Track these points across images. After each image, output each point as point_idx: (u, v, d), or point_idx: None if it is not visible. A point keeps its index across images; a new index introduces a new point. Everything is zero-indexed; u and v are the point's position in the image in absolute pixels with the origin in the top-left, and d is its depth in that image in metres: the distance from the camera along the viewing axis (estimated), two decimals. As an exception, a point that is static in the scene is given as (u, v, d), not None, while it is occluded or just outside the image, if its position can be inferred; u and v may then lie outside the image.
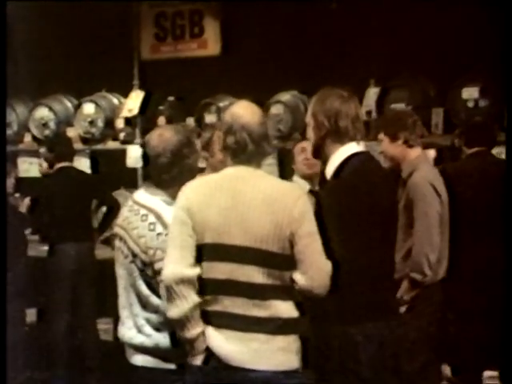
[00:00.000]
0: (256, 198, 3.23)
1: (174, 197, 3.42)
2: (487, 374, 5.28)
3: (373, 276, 3.49)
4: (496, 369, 5.13)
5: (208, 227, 3.24)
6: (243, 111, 3.35)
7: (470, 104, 6.11)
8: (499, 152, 5.45)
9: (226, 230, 3.23)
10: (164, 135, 3.55)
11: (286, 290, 3.25)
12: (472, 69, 6.19)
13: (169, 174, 3.52)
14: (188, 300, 3.21)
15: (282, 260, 3.23)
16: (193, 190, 3.33)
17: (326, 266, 3.28)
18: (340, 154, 3.58)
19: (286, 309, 3.25)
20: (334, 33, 6.80)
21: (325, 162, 3.67)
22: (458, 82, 6.24)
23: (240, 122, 3.30)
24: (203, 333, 3.25)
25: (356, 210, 3.48)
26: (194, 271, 3.22)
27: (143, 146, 3.69)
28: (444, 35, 6.41)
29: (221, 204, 3.24)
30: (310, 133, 3.69)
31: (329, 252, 3.30)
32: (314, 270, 3.24)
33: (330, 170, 3.61)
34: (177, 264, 3.23)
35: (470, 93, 6.13)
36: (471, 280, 5.10)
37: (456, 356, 5.32)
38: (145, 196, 3.57)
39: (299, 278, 3.21)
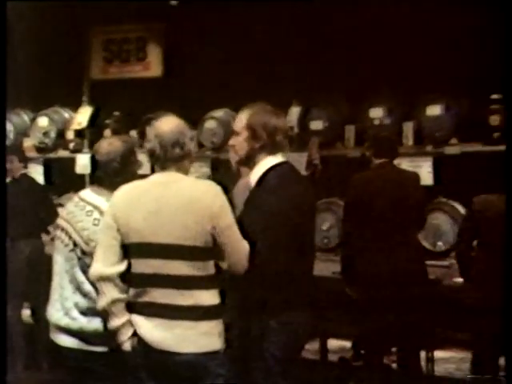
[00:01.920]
0: (178, 200, 3.46)
1: None
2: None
3: (292, 273, 3.69)
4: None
5: (133, 229, 3.47)
6: (160, 123, 3.59)
7: (376, 122, 6.87)
8: (399, 163, 6.14)
9: (151, 231, 3.44)
10: (114, 144, 3.88)
11: (210, 280, 3.49)
12: (378, 92, 7.02)
13: (119, 177, 3.79)
14: (107, 296, 3.49)
15: (205, 252, 3.46)
16: (119, 196, 3.60)
17: (245, 249, 3.54)
18: (265, 163, 3.82)
19: (208, 297, 3.48)
20: (260, 57, 7.55)
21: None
22: (366, 103, 7.02)
23: (154, 131, 3.56)
24: (129, 322, 3.48)
25: (278, 214, 3.69)
26: (113, 269, 3.49)
27: (94, 153, 3.97)
28: (355, 62, 7.27)
29: (146, 208, 3.47)
30: (242, 143, 3.85)
31: (254, 253, 3.57)
32: (236, 256, 3.52)
33: (254, 178, 3.84)
34: (99, 263, 3.52)
35: (376, 112, 6.88)
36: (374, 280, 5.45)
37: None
38: (91, 195, 3.88)
39: (223, 264, 3.52)
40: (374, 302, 5.37)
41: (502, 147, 5.94)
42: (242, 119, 3.88)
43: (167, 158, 3.53)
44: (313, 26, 7.52)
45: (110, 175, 3.85)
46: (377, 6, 7.12)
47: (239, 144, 3.87)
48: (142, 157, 3.92)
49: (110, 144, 3.90)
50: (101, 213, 3.74)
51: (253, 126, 3.82)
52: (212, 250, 3.48)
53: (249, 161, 3.87)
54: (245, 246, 3.55)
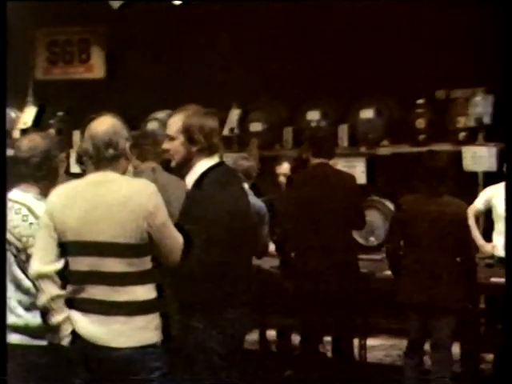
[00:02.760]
0: (113, 199, 3.49)
1: (44, 192, 3.79)
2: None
3: (230, 270, 3.70)
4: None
5: (69, 227, 3.50)
6: (94, 123, 3.58)
7: (313, 124, 7.30)
8: (334, 163, 6.47)
9: (87, 229, 3.48)
10: (34, 140, 3.89)
11: (146, 275, 3.51)
12: (315, 96, 7.43)
13: (40, 171, 3.84)
14: (46, 293, 3.52)
15: (140, 248, 3.49)
16: (56, 196, 3.61)
17: (179, 244, 3.59)
18: (201, 165, 3.78)
19: (144, 292, 3.49)
20: (201, 61, 7.86)
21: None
22: (303, 106, 7.46)
23: (88, 132, 3.56)
24: (69, 318, 3.51)
25: (215, 215, 3.69)
26: (51, 267, 3.51)
27: (15, 151, 3.89)
28: (293, 67, 7.64)
29: (82, 207, 3.50)
30: (179, 147, 3.78)
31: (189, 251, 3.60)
32: (169, 250, 3.57)
33: (191, 180, 3.80)
34: (37, 262, 3.55)
35: (312, 115, 7.33)
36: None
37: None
38: (18, 193, 3.89)
39: (159, 259, 3.57)
40: (309, 295, 5.57)
41: (427, 148, 6.50)
42: (176, 123, 3.79)
43: (100, 158, 3.54)
44: (250, 32, 7.88)
45: (32, 170, 3.87)
46: (311, 13, 7.51)
47: (175, 148, 3.80)
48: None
49: (30, 140, 3.92)
50: (29, 209, 3.80)
51: (189, 129, 3.74)
52: (148, 245, 3.50)
53: (186, 164, 3.81)
54: (179, 240, 3.59)
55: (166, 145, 3.84)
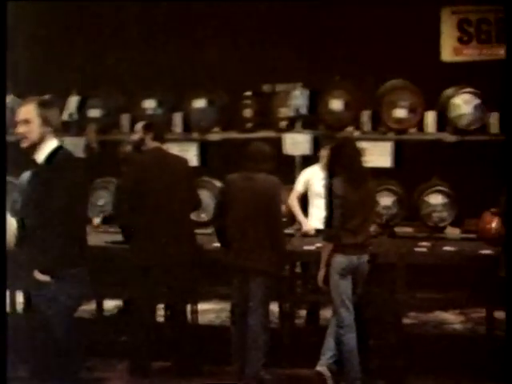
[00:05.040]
0: None
1: None
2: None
3: (67, 238, 4.53)
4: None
5: None
6: None
7: (149, 112, 7.77)
8: (168, 147, 7.00)
9: None
10: None
11: None
12: (151, 86, 7.99)
13: None
14: None
15: None
16: None
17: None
18: (50, 145, 4.63)
19: None
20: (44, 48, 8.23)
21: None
22: (140, 95, 7.92)
23: None
24: None
25: (61, 188, 4.51)
26: None
27: None
28: (131, 59, 8.21)
29: None
30: (35, 129, 4.57)
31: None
32: None
33: (41, 157, 4.61)
34: None
35: (148, 103, 7.81)
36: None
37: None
38: None
39: None
40: (148, 266, 6.09)
41: (255, 135, 7.29)
42: (31, 108, 4.61)
43: None
44: (95, 24, 8.32)
45: None
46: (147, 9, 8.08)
47: (31, 130, 4.59)
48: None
49: None
50: None
51: (43, 113, 4.59)
52: None
53: (39, 144, 4.59)
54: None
55: (22, 128, 4.58)
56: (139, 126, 6.66)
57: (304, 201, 7.22)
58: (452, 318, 7.87)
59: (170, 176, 6.20)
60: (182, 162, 6.42)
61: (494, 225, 5.57)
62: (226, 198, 6.06)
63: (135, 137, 6.66)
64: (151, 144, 6.41)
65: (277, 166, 6.07)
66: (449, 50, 8.15)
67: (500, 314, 6.13)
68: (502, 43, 7.82)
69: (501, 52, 7.89)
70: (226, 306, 6.57)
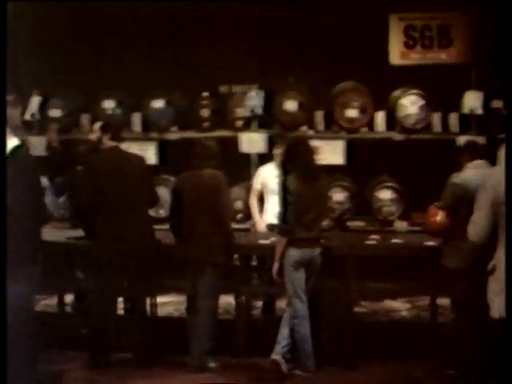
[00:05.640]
0: None
1: None
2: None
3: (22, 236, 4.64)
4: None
5: None
6: None
7: (109, 112, 7.94)
8: (128, 147, 7.00)
9: None
10: None
11: None
12: (111, 86, 8.21)
13: None
14: None
15: None
16: None
17: None
18: (11, 142, 4.73)
19: None
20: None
21: None
22: (100, 95, 8.10)
23: None
24: None
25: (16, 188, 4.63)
26: None
27: None
28: (90, 61, 8.40)
29: None
30: None
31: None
32: None
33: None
34: None
35: (108, 104, 7.99)
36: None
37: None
38: None
39: None
40: (108, 261, 6.27)
41: (212, 134, 7.54)
42: None
43: None
44: (49, 26, 8.48)
45: None
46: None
47: None
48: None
49: None
50: None
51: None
52: None
53: None
54: None
55: None
56: (97, 126, 6.86)
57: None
58: (400, 306, 8.21)
59: (126, 174, 6.41)
60: (139, 160, 6.64)
61: (438, 218, 5.87)
62: (178, 195, 6.42)
63: (93, 136, 6.83)
64: (108, 143, 6.60)
65: (223, 162, 6.40)
66: (396, 54, 8.49)
67: (442, 301, 6.50)
68: (444, 48, 8.28)
69: (442, 56, 8.31)
70: (185, 298, 6.78)
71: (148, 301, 6.70)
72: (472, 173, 5.68)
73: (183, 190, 6.41)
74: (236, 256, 6.68)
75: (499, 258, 4.48)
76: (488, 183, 4.74)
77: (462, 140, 6.05)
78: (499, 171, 4.90)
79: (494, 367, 4.99)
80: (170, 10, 8.70)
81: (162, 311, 7.30)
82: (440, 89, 7.71)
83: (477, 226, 4.58)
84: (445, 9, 8.29)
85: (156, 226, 6.88)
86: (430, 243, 6.29)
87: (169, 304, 7.93)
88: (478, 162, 5.85)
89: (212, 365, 6.21)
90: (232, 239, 6.40)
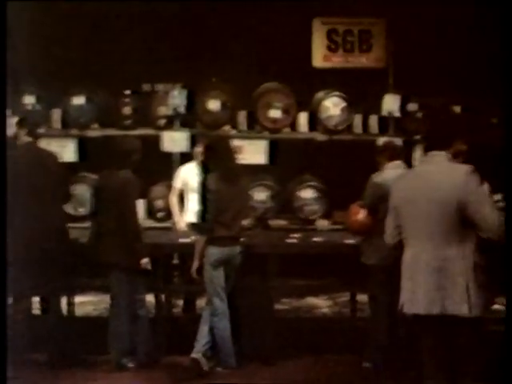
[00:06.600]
0: None
1: None
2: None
3: None
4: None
5: None
6: None
7: (28, 107, 7.78)
8: (48, 143, 7.08)
9: None
10: None
11: None
12: (28, 82, 8.04)
13: None
14: None
15: None
16: None
17: None
18: None
19: None
20: None
21: None
22: (21, 91, 7.92)
23: None
24: None
25: None
26: None
27: None
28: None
29: None
30: None
31: None
32: None
33: None
34: None
35: (28, 99, 7.85)
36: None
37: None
38: None
39: None
40: (21, 260, 5.91)
41: (134, 132, 7.47)
42: None
43: None
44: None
45: None
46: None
47: None
48: None
49: None
50: None
51: None
52: None
53: None
54: None
55: None
56: (13, 121, 6.73)
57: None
58: (321, 303, 8.31)
59: (40, 170, 6.32)
60: (53, 157, 6.53)
61: (359, 216, 5.93)
62: (95, 194, 6.44)
63: (9, 132, 6.71)
64: (24, 139, 6.48)
65: (145, 161, 6.30)
66: (319, 57, 8.60)
67: (361, 298, 6.60)
68: (364, 52, 8.47)
69: (363, 60, 8.50)
70: (104, 298, 6.69)
71: (65, 300, 6.58)
72: (391, 173, 5.75)
73: (98, 188, 6.39)
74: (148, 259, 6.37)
75: (404, 259, 4.53)
76: (393, 186, 4.76)
77: (381, 141, 6.16)
78: (405, 174, 5.03)
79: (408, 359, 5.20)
80: (93, 7, 8.59)
81: (80, 311, 7.17)
82: (361, 91, 7.89)
83: (387, 228, 4.66)
84: (367, 14, 8.45)
85: (75, 225, 6.80)
86: (350, 241, 6.35)
87: (88, 303, 7.80)
88: (397, 162, 5.95)
89: (131, 365, 6.13)
90: (140, 241, 6.16)
